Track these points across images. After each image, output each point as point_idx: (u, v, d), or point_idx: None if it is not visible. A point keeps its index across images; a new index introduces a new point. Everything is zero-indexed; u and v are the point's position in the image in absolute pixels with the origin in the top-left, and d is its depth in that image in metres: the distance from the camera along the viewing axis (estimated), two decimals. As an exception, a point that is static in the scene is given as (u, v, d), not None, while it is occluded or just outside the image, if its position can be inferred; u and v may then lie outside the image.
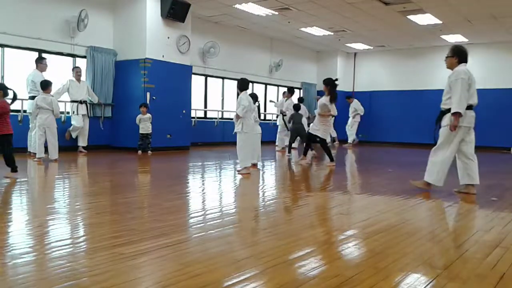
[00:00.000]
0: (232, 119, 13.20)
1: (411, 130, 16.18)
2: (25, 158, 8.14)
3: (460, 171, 5.41)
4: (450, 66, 5.30)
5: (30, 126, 8.62)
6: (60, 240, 3.11)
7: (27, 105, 8.87)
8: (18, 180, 5.67)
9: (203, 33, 12.69)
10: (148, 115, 9.97)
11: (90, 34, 10.24)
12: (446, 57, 5.35)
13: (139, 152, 9.96)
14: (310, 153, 9.56)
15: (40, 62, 8.85)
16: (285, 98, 12.47)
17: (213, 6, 11.42)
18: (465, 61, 5.29)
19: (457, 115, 5.06)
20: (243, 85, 7.09)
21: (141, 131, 9.99)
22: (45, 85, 7.74)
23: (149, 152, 9.97)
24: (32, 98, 8.36)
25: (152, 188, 5.91)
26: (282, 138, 12.14)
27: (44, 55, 9.57)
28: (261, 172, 7.52)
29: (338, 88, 18.37)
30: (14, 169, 5.77)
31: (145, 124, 9.98)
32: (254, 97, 8.05)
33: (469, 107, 5.20)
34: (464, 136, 5.26)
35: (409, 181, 5.76)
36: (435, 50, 16.01)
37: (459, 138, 5.24)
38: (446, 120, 5.24)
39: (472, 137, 5.35)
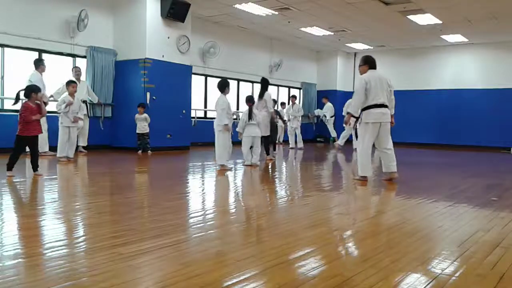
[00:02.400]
0: (234, 119, 13.25)
1: (410, 130, 16.17)
2: (23, 157, 8.13)
3: (382, 162, 6.33)
4: (362, 73, 6.24)
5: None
6: (60, 240, 3.11)
7: None
8: (17, 180, 5.68)
9: (203, 33, 12.69)
10: (145, 115, 9.98)
11: (90, 34, 10.23)
12: (359, 66, 6.34)
13: (139, 152, 9.97)
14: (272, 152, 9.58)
15: (41, 64, 8.93)
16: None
17: (213, 6, 11.42)
18: (373, 67, 6.23)
19: (349, 114, 6.27)
20: (221, 86, 7.57)
21: (137, 131, 10.04)
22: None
23: (149, 152, 9.98)
24: None
25: (152, 188, 5.91)
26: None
27: (44, 55, 9.58)
28: (259, 172, 7.52)
29: (338, 88, 18.37)
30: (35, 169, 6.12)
31: (141, 123, 10.00)
32: (251, 100, 8.14)
33: (374, 106, 6.02)
34: (376, 131, 6.07)
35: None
36: (435, 50, 16.02)
37: (371, 133, 6.05)
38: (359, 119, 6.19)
39: (384, 131, 6.12)
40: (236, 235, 3.44)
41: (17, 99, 6.24)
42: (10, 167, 5.88)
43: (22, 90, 6.21)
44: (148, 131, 10.05)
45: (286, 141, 13.13)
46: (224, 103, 7.38)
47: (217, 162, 7.49)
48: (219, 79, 7.94)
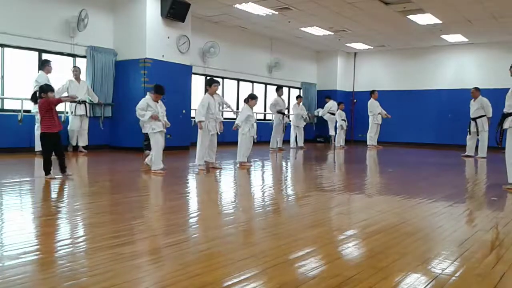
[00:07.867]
0: (233, 119, 13.24)
1: (411, 130, 16.17)
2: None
3: None
4: None
5: (37, 125, 8.77)
6: (60, 240, 3.12)
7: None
8: (19, 180, 5.68)
9: (203, 33, 12.68)
10: None
11: (90, 34, 10.23)
12: (510, 68, 6.20)
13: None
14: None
15: (47, 65, 9.03)
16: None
17: (213, 6, 11.42)
18: None
19: None
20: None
21: None
22: None
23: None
24: None
25: (152, 188, 5.91)
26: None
27: (44, 55, 9.58)
28: (259, 172, 7.53)
29: (338, 88, 18.33)
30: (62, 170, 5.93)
31: None
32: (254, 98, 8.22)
33: None
34: None
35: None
36: (435, 50, 16.00)
37: None
38: (508, 122, 5.80)
39: None
40: (236, 235, 3.44)
41: (34, 99, 6.19)
42: (47, 171, 5.79)
43: (36, 91, 6.17)
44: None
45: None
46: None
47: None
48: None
